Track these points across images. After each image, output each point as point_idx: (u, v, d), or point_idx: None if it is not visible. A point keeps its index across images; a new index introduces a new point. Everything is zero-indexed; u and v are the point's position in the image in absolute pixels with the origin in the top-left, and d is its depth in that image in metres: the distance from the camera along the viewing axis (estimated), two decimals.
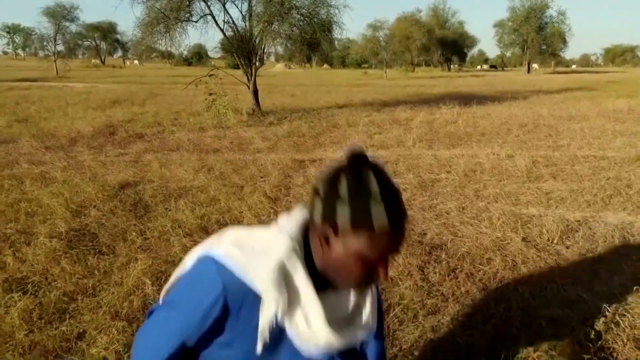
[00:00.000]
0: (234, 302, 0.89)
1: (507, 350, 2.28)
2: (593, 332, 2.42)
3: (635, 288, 2.85)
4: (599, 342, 2.35)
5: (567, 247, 3.56)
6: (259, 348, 0.91)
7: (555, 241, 3.63)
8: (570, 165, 6.10)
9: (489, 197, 4.80)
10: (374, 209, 0.81)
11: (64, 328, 2.53)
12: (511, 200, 4.69)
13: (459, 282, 3.02)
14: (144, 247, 3.57)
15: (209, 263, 0.90)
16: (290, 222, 0.95)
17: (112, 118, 10.41)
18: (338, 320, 0.95)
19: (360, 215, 0.82)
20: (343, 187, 0.83)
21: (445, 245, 3.61)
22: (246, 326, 0.91)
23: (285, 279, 0.88)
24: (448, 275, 3.11)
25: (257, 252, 0.90)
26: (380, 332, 1.21)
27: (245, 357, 0.95)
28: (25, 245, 3.54)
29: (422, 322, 2.57)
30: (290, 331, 0.92)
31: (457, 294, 2.88)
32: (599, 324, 2.48)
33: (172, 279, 1.05)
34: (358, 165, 0.85)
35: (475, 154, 6.79)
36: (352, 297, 1.00)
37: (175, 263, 3.27)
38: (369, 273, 0.87)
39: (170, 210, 4.35)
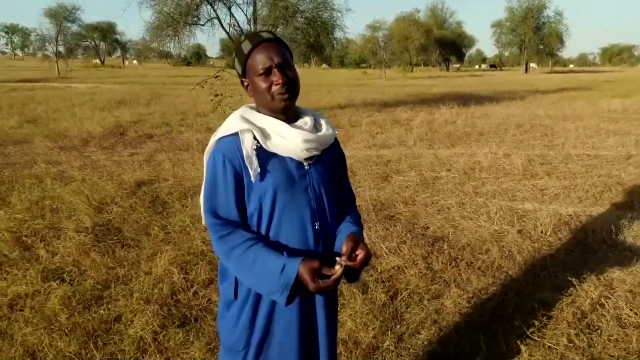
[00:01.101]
0: (232, 155, 1.27)
1: (503, 329, 2.56)
2: (580, 312, 2.70)
3: (619, 274, 3.14)
4: (585, 321, 2.63)
5: (559, 239, 3.84)
6: (252, 174, 1.26)
7: (548, 233, 3.91)
8: (564, 163, 6.38)
9: (487, 194, 5.08)
10: (242, 45, 1.32)
11: (101, 312, 2.79)
12: (508, 197, 4.98)
13: (459, 270, 3.30)
14: (166, 240, 3.83)
15: (209, 151, 1.35)
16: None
17: (120, 119, 10.65)
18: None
19: (239, 54, 1.33)
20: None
21: (447, 237, 3.89)
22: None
23: (248, 122, 1.30)
24: (450, 264, 3.38)
25: (226, 122, 1.35)
26: (347, 187, 1.55)
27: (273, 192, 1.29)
28: (55, 239, 3.81)
29: (427, 305, 2.85)
30: (276, 149, 1.29)
31: (458, 280, 3.16)
32: (585, 305, 2.76)
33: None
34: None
35: (474, 153, 7.06)
36: (308, 120, 1.37)
37: (197, 255, 3.55)
38: (271, 83, 1.28)
39: (187, 207, 4.61)
